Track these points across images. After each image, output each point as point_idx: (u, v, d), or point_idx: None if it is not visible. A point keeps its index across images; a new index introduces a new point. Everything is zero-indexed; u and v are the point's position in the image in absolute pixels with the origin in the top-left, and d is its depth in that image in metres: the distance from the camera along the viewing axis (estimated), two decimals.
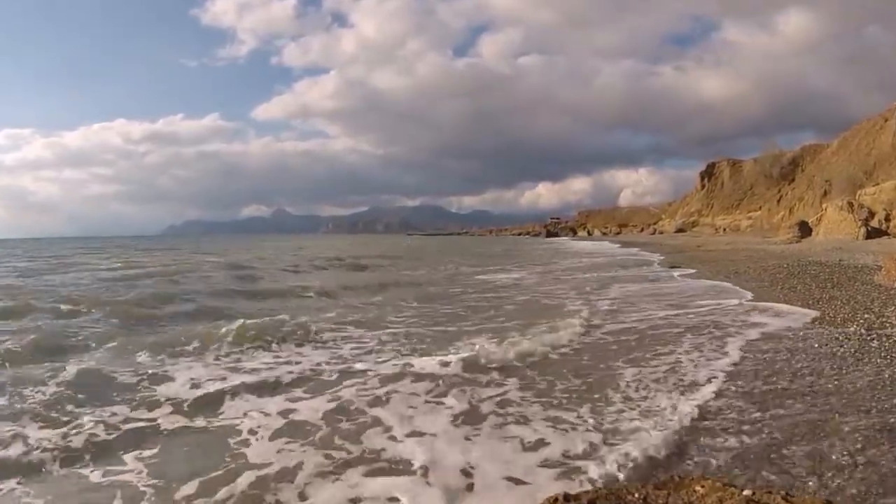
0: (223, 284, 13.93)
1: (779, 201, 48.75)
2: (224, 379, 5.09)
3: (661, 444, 3.36)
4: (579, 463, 3.21)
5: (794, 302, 8.41)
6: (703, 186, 66.18)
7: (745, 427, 3.62)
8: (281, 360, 5.90)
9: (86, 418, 3.99)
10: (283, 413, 4.19)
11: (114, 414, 4.17)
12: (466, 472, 3.14)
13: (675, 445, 3.38)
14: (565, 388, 4.65)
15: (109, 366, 5.47)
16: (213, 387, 4.81)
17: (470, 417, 4.02)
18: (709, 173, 66.13)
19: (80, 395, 4.52)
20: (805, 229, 29.38)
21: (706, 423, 3.74)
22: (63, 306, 9.28)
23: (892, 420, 3.57)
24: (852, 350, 5.36)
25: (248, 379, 5.04)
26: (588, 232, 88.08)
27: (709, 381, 4.69)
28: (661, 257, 23.01)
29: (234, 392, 4.65)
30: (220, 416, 4.15)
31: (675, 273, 15.09)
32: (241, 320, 7.26)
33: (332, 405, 4.33)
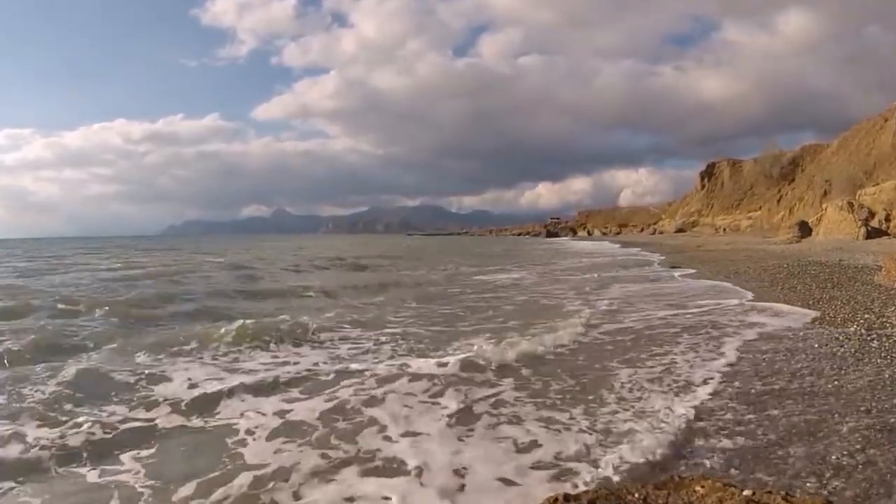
0: (224, 284, 13.94)
1: (779, 201, 48.74)
2: (222, 379, 5.10)
3: (655, 446, 3.36)
4: (571, 465, 3.22)
5: (795, 302, 8.40)
6: (703, 186, 66.17)
7: (741, 428, 3.61)
8: (279, 360, 5.91)
9: (84, 418, 4.00)
10: (280, 413, 4.20)
11: (112, 414, 4.19)
12: (459, 473, 3.15)
13: (668, 447, 3.37)
14: (560, 389, 4.65)
15: (108, 365, 5.47)
16: (210, 387, 4.82)
17: (464, 418, 4.03)
18: (709, 173, 66.13)
19: (78, 395, 4.54)
20: (805, 229, 29.37)
21: (701, 423, 3.73)
22: (63, 306, 9.29)
23: (893, 420, 3.56)
24: (852, 350, 5.35)
25: (246, 379, 5.05)
26: (588, 232, 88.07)
27: (705, 381, 4.69)
28: (662, 257, 23.01)
29: (232, 392, 4.66)
30: (218, 417, 4.17)
31: (676, 273, 15.09)
32: (241, 321, 7.26)
33: (329, 405, 4.34)
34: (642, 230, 73.57)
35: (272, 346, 6.53)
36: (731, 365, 5.20)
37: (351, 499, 2.91)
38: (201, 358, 5.93)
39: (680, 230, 60.63)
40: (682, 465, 3.14)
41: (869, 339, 5.71)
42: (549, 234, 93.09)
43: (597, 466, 3.14)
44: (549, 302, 10.45)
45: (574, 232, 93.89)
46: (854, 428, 3.46)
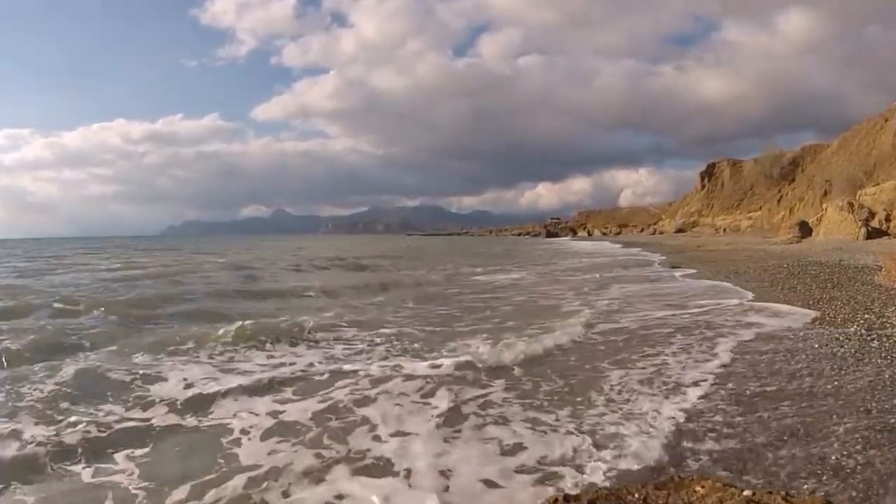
0: (224, 285, 13.96)
1: (779, 201, 48.69)
2: (218, 380, 5.13)
3: (644, 449, 3.35)
4: (556, 468, 3.21)
5: (795, 302, 8.39)
6: (703, 187, 66.14)
7: (738, 429, 3.59)
8: (275, 360, 5.93)
9: (81, 417, 4.04)
10: (274, 413, 4.23)
11: (108, 413, 4.22)
12: (445, 474, 3.18)
13: (659, 449, 3.35)
14: (551, 391, 4.65)
15: (107, 365, 5.50)
16: (206, 387, 4.85)
17: (454, 419, 4.05)
18: (709, 173, 66.10)
19: (76, 394, 4.58)
20: (805, 229, 29.34)
21: (690, 425, 3.70)
22: (62, 306, 9.31)
23: (893, 420, 3.55)
24: (852, 350, 5.34)
25: (242, 380, 5.07)
26: (588, 232, 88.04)
27: (696, 383, 4.67)
28: (662, 257, 23.00)
29: (227, 392, 4.69)
30: (212, 417, 4.20)
31: (677, 273, 15.08)
32: (239, 322, 7.27)
33: (322, 406, 4.37)
34: (642, 230, 73.55)
35: (269, 346, 6.55)
36: (724, 366, 5.18)
37: (340, 496, 2.96)
38: (198, 358, 5.95)
39: (680, 230, 60.61)
40: (670, 469, 3.12)
41: (869, 339, 5.69)
42: (549, 235, 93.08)
43: (582, 472, 3.14)
44: (548, 302, 10.45)
45: (574, 232, 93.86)
46: (854, 428, 3.44)
